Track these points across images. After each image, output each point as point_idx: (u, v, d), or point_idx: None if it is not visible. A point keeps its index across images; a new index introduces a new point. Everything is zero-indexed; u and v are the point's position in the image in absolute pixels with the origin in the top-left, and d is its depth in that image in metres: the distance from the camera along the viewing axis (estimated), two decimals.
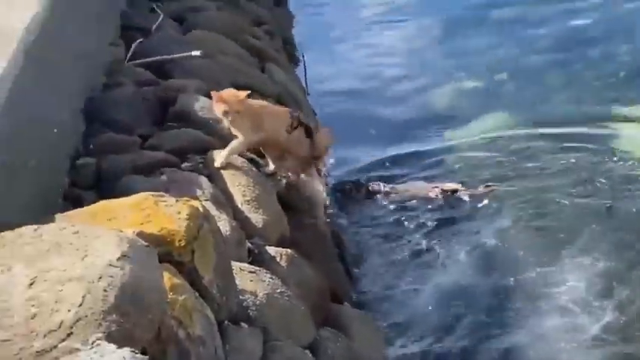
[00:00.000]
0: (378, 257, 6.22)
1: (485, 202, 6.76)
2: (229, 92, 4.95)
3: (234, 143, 4.94)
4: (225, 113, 4.86)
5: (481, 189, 6.86)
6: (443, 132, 7.90)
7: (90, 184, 4.67)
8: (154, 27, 6.87)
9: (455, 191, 6.80)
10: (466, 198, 6.79)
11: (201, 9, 7.70)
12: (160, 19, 7.04)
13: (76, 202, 4.37)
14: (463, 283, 5.92)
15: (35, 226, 2.75)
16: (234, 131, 4.97)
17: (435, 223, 6.57)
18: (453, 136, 7.82)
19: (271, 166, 5.26)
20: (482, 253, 6.22)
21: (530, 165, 7.24)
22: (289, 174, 5.33)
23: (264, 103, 5.25)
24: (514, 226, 6.49)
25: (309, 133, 5.25)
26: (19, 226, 2.94)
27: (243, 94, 4.93)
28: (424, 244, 6.35)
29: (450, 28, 10.23)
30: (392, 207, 6.79)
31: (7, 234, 2.72)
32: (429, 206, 6.76)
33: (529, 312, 5.55)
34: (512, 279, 5.86)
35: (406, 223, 6.58)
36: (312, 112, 7.95)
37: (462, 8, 10.82)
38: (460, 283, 5.93)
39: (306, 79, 8.86)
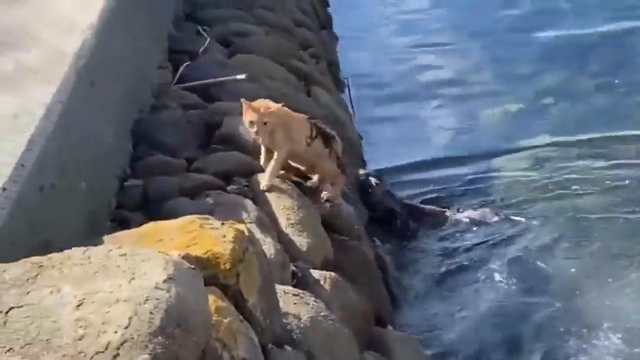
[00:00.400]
0: (420, 279, 6.20)
1: (525, 220, 6.71)
2: (261, 102, 4.89)
3: (272, 163, 4.92)
4: (252, 123, 4.80)
5: (487, 213, 6.77)
6: (486, 151, 7.86)
7: (137, 205, 4.73)
8: (201, 50, 6.96)
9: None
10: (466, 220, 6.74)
11: (247, 33, 7.77)
12: (207, 42, 7.13)
13: (124, 224, 4.44)
14: (511, 305, 5.88)
15: (84, 248, 2.79)
16: (266, 144, 4.93)
17: (478, 242, 6.54)
18: (496, 155, 7.78)
19: (315, 179, 5.24)
20: (532, 274, 6.21)
21: (576, 184, 7.20)
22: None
23: (285, 108, 5.06)
24: (563, 245, 6.46)
25: (327, 141, 5.12)
26: (68, 247, 3.00)
27: (275, 105, 4.88)
28: (468, 264, 6.34)
29: (494, 52, 10.20)
30: (432, 225, 6.76)
31: (56, 255, 2.77)
32: (473, 226, 6.72)
33: (591, 337, 5.45)
34: (568, 301, 5.82)
35: (448, 242, 6.55)
36: (358, 135, 7.97)
37: (508, 32, 10.78)
38: (508, 305, 5.88)
39: (351, 102, 8.89)
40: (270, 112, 4.80)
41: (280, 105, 4.93)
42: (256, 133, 4.82)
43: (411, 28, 11.54)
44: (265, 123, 4.78)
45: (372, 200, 6.69)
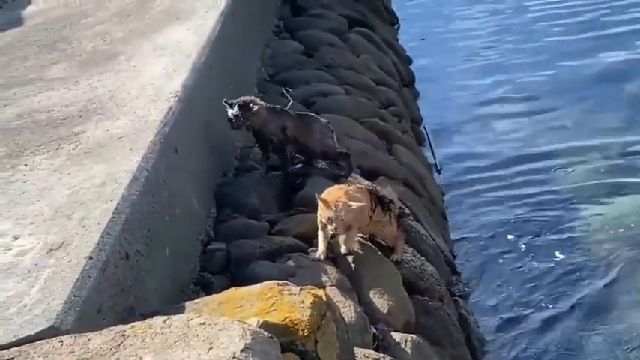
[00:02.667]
0: (505, 338, 6.10)
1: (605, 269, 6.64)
2: (335, 195, 4.75)
3: (349, 233, 4.86)
4: (329, 220, 4.67)
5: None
6: (571, 214, 7.71)
7: (220, 268, 4.80)
8: None
9: None
10: None
11: (329, 93, 7.88)
12: (290, 103, 7.24)
13: (207, 287, 4.53)
14: None
15: (165, 317, 2.88)
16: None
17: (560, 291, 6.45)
18: (582, 218, 7.62)
19: (400, 255, 5.24)
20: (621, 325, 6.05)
21: None
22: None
23: (352, 193, 4.86)
24: None
25: (384, 206, 5.02)
26: (153, 312, 3.09)
27: (354, 205, 4.71)
28: (555, 320, 6.19)
29: (579, 104, 10.03)
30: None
31: (139, 324, 2.86)
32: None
33: None
34: None
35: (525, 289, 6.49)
36: (440, 192, 7.95)
37: (595, 83, 10.58)
38: None
39: (434, 156, 8.89)
40: (349, 210, 4.68)
41: (358, 203, 4.76)
42: (335, 229, 4.69)
43: (492, 73, 11.47)
44: (343, 220, 4.68)
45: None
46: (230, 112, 5.57)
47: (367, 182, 5.57)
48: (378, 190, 5.14)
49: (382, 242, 5.26)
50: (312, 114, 6.19)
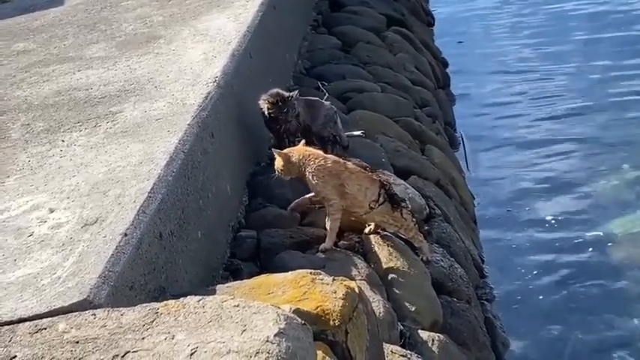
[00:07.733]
0: (531, 343, 6.05)
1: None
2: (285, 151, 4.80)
3: (330, 224, 4.74)
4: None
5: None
6: (604, 224, 7.59)
7: (249, 256, 4.80)
8: None
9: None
10: None
11: (365, 89, 7.86)
12: (325, 97, 7.22)
13: (236, 274, 4.52)
14: None
15: (199, 297, 2.86)
16: (320, 194, 4.77)
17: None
18: (615, 227, 7.51)
19: (427, 254, 5.17)
20: None
21: None
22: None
23: (348, 164, 4.83)
24: None
25: (395, 204, 4.84)
26: (183, 294, 3.07)
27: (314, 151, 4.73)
28: (584, 328, 6.11)
29: (611, 114, 9.88)
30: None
31: (172, 303, 2.85)
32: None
33: None
34: None
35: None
36: (471, 195, 7.88)
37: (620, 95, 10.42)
38: None
39: (467, 160, 8.82)
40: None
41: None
42: (312, 183, 4.73)
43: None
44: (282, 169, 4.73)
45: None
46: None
47: (393, 176, 5.55)
48: (391, 187, 5.05)
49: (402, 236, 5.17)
50: (317, 98, 6.11)
